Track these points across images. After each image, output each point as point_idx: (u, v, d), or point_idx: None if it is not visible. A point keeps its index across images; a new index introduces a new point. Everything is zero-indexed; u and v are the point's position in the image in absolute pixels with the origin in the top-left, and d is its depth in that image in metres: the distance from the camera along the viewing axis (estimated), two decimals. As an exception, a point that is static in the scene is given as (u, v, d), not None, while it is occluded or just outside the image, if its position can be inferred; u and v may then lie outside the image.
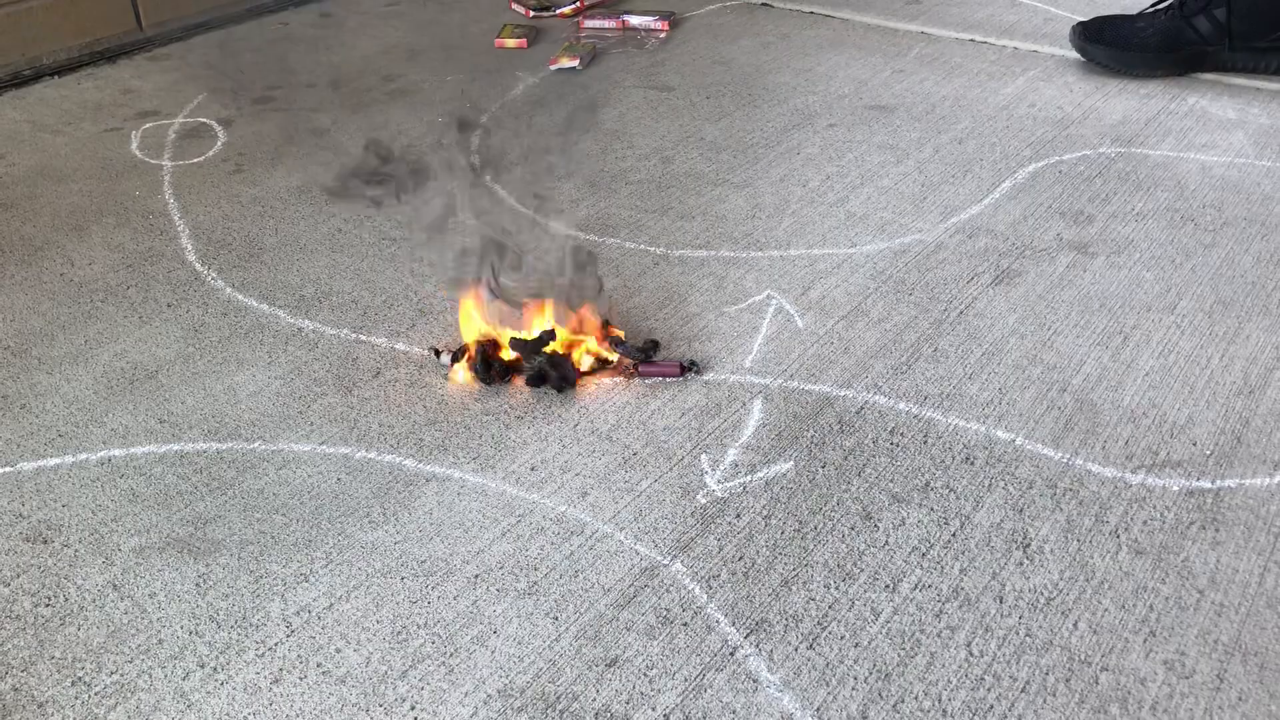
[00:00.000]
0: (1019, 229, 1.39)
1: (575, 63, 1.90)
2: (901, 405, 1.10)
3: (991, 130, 1.65)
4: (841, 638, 0.85)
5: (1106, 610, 0.87)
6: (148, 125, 1.76)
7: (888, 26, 2.08)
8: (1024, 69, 1.86)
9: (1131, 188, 1.47)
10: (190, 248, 1.41)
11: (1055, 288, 1.27)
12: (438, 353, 1.17)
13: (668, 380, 1.14)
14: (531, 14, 2.17)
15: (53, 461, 1.06)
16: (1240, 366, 1.13)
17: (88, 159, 1.65)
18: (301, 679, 0.83)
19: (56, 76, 1.94)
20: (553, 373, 1.13)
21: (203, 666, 0.84)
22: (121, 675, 0.84)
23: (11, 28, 1.90)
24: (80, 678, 0.83)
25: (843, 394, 1.11)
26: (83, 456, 1.06)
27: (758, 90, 1.82)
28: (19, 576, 0.93)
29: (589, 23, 2.11)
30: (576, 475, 1.02)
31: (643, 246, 1.38)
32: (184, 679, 0.83)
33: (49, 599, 0.90)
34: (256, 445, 1.07)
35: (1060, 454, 1.02)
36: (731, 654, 0.84)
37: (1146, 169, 1.52)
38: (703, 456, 1.04)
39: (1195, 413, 1.07)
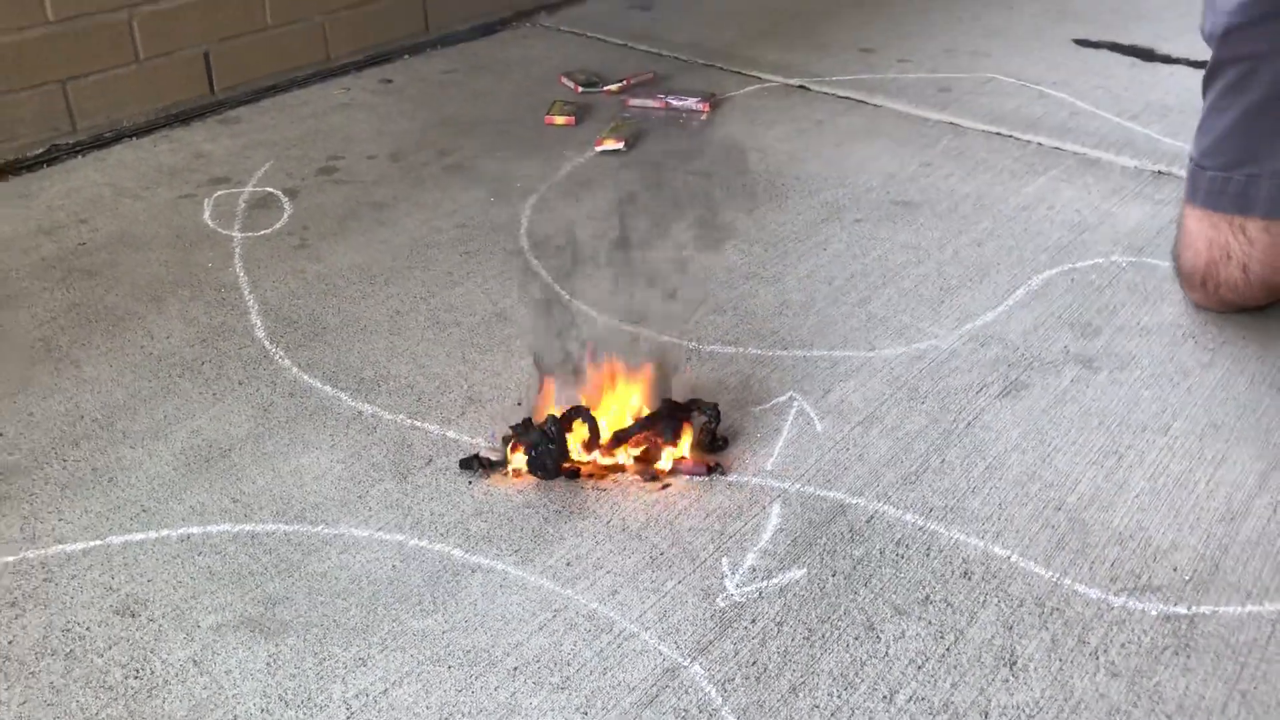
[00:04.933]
0: (1029, 339, 1.48)
1: (620, 145, 2.02)
2: (908, 516, 1.19)
3: (1010, 233, 1.75)
4: (840, 745, 0.95)
5: (1081, 730, 0.96)
6: (219, 193, 1.88)
7: (918, 115, 2.18)
8: (1046, 167, 1.96)
9: (1139, 300, 1.57)
10: (259, 324, 1.53)
11: (1058, 403, 1.36)
12: (482, 460, 1.27)
13: (694, 478, 1.25)
14: (580, 90, 2.28)
15: (138, 536, 1.17)
16: (1224, 492, 1.22)
17: (164, 227, 1.78)
18: (360, 760, 0.94)
19: (134, 139, 2.07)
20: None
21: (273, 743, 0.95)
22: (202, 748, 0.95)
23: (99, 93, 2.04)
24: (166, 749, 0.95)
25: (855, 502, 1.22)
26: (164, 533, 1.18)
27: (790, 180, 1.93)
28: (111, 648, 1.04)
29: (634, 101, 2.22)
30: (608, 573, 1.13)
31: (676, 339, 1.49)
32: (257, 754, 0.94)
33: (137, 671, 1.02)
34: (320, 529, 1.18)
35: (1050, 573, 1.12)
36: (741, 756, 0.94)
37: (1155, 281, 1.61)
38: (723, 560, 1.14)
39: (1179, 537, 1.16)
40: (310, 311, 1.56)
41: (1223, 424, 1.32)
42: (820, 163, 1.99)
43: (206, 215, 1.81)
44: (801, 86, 2.33)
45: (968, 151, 2.03)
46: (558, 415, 1.25)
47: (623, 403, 1.30)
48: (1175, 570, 1.12)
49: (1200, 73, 1.52)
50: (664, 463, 1.26)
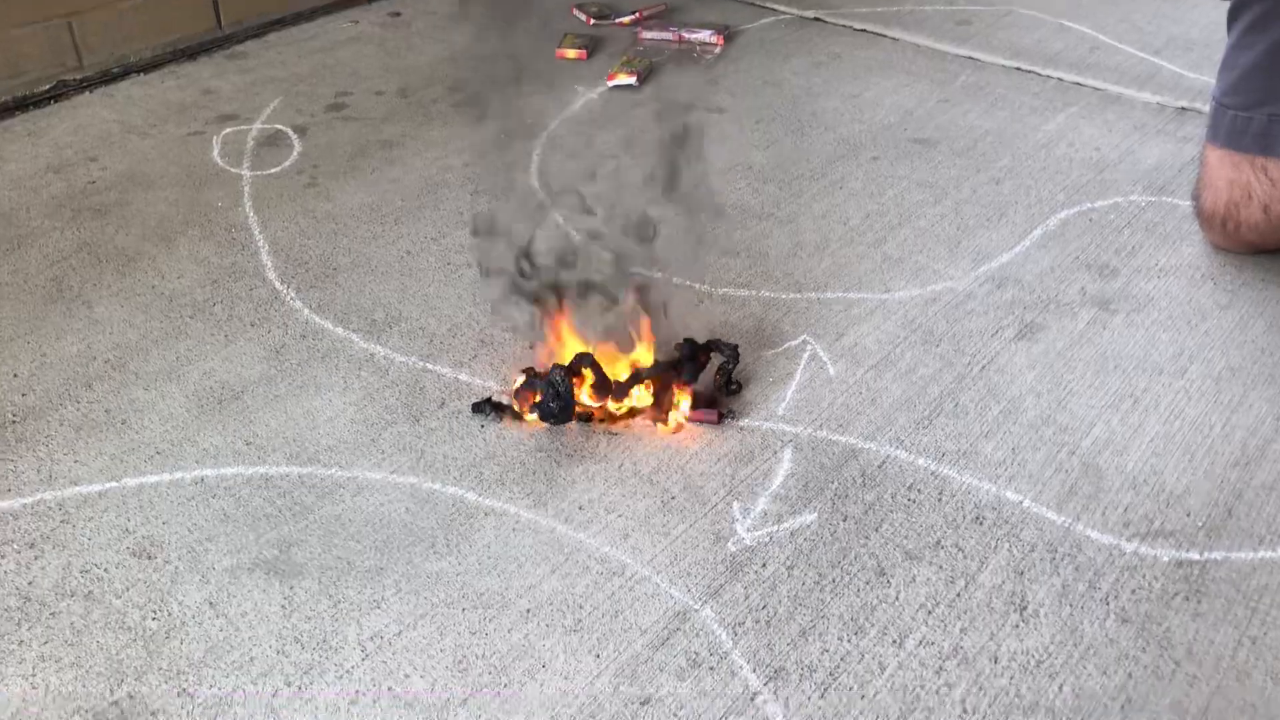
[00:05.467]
0: (1045, 281, 1.47)
1: (633, 79, 1.99)
2: (921, 461, 1.19)
3: (1028, 171, 1.72)
4: (850, 689, 0.96)
5: (1090, 675, 0.97)
6: (228, 130, 1.87)
7: (937, 49, 2.14)
8: (1066, 103, 1.92)
9: (1158, 240, 1.54)
10: (270, 264, 1.52)
11: (1074, 345, 1.35)
12: (493, 404, 1.26)
13: (706, 424, 1.25)
14: (593, 22, 2.25)
15: (152, 479, 1.18)
16: (1240, 437, 1.21)
17: (173, 164, 1.77)
18: (374, 702, 0.95)
19: (142, 74, 2.05)
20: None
21: (289, 685, 0.96)
22: (219, 689, 0.96)
23: (103, 29, 2.01)
24: (185, 689, 0.96)
25: (867, 446, 1.21)
26: (179, 475, 1.18)
27: (805, 116, 1.90)
28: (129, 590, 1.05)
29: (647, 34, 2.19)
30: (619, 517, 1.13)
31: (688, 282, 1.48)
32: (273, 695, 0.96)
33: (155, 612, 1.03)
34: (333, 471, 1.19)
35: (1063, 518, 1.12)
36: (752, 699, 0.95)
37: (1174, 220, 1.59)
38: (734, 504, 1.14)
39: (1193, 483, 1.16)
40: (321, 252, 1.55)
41: (1240, 367, 1.31)
42: (837, 98, 1.96)
43: (215, 153, 1.80)
44: (817, 19, 2.29)
45: (986, 87, 1.99)
46: (564, 364, 1.25)
47: (637, 345, 1.29)
48: (1188, 516, 1.12)
49: (1226, 3, 1.48)
50: (677, 407, 1.26)
